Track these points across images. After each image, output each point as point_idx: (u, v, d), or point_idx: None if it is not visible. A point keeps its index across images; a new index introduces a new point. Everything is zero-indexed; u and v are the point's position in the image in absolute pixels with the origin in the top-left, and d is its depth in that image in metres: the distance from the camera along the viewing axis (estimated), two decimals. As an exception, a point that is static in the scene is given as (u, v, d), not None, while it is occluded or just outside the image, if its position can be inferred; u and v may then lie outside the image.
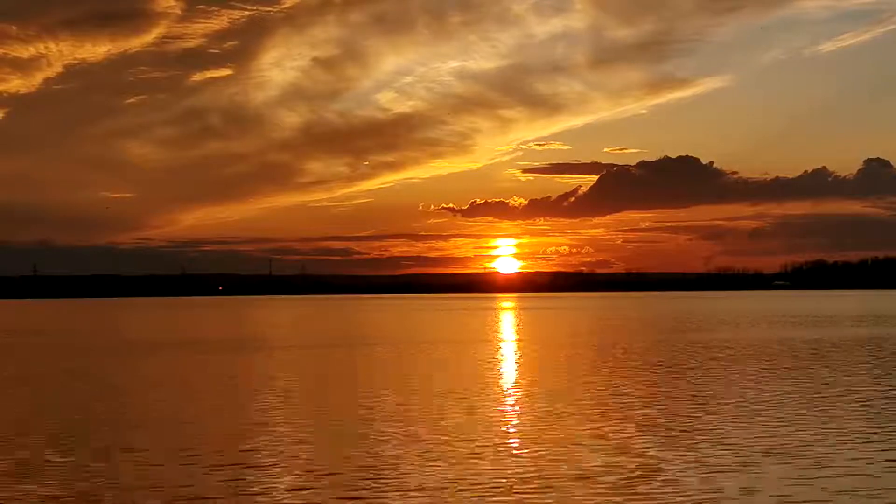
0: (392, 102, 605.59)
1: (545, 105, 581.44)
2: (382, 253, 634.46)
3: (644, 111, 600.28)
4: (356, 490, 20.23)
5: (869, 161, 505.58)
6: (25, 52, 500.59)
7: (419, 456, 24.04)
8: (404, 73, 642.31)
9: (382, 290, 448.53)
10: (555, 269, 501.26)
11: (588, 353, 60.74)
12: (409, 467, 22.62)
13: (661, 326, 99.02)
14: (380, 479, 21.34)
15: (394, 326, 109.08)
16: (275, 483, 21.18)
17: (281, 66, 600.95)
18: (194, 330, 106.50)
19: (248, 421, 31.12)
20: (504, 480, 21.09)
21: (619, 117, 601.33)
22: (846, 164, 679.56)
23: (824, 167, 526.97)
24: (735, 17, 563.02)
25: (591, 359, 55.69)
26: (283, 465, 23.28)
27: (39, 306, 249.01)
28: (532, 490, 20.07)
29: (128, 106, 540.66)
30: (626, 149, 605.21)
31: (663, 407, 33.19)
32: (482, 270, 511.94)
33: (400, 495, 19.77)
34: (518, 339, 78.98)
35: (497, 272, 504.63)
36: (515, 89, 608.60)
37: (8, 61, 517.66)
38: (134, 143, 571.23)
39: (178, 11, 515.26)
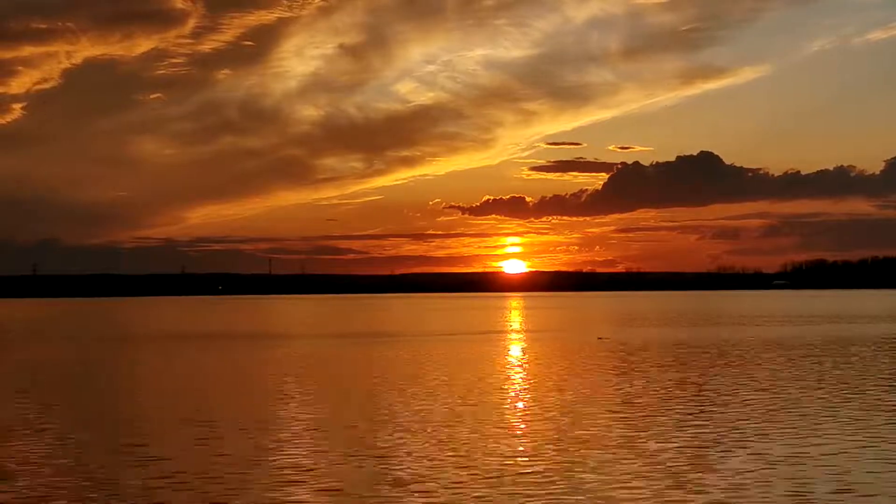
0: (412, 94, 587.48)
1: (571, 98, 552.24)
2: (384, 252, 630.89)
3: (673, 104, 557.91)
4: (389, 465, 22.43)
5: (891, 160, 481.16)
6: (44, 48, 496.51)
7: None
8: (428, 61, 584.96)
9: (381, 289, 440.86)
10: (557, 268, 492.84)
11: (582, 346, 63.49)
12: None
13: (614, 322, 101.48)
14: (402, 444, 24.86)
15: (373, 323, 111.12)
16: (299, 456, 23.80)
17: (302, 55, 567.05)
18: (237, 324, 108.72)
19: (261, 410, 33.99)
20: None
21: (646, 111, 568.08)
22: (874, 160, 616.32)
23: (852, 165, 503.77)
24: (783, 2, 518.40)
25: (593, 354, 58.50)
26: (310, 438, 26.55)
27: (38, 306, 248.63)
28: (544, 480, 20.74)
29: (146, 101, 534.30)
30: (644, 146, 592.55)
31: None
32: (484, 270, 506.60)
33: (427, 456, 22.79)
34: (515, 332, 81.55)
35: (500, 272, 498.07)
36: (542, 80, 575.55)
37: (26, 57, 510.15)
38: (148, 139, 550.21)
39: (202, 4, 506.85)
